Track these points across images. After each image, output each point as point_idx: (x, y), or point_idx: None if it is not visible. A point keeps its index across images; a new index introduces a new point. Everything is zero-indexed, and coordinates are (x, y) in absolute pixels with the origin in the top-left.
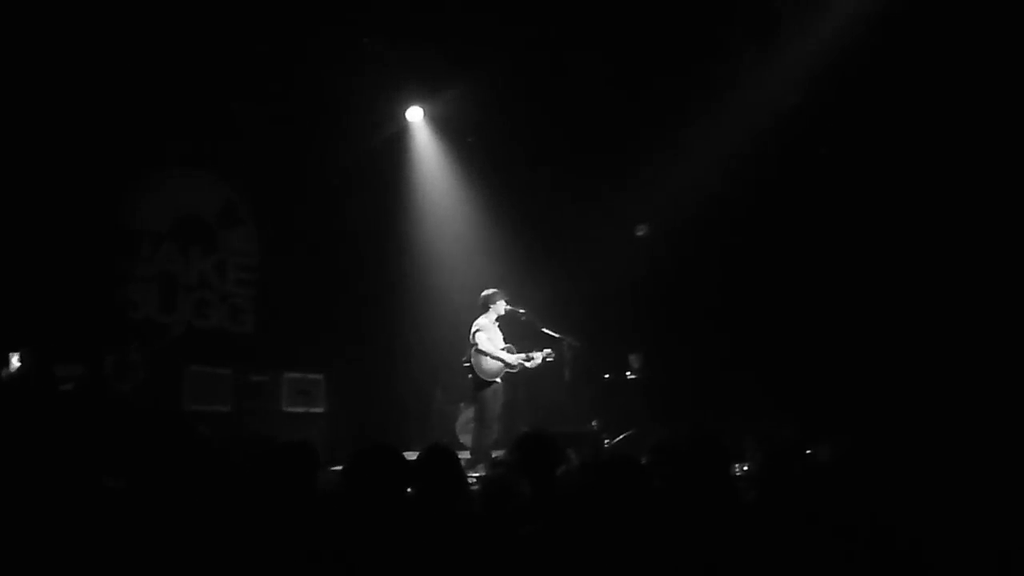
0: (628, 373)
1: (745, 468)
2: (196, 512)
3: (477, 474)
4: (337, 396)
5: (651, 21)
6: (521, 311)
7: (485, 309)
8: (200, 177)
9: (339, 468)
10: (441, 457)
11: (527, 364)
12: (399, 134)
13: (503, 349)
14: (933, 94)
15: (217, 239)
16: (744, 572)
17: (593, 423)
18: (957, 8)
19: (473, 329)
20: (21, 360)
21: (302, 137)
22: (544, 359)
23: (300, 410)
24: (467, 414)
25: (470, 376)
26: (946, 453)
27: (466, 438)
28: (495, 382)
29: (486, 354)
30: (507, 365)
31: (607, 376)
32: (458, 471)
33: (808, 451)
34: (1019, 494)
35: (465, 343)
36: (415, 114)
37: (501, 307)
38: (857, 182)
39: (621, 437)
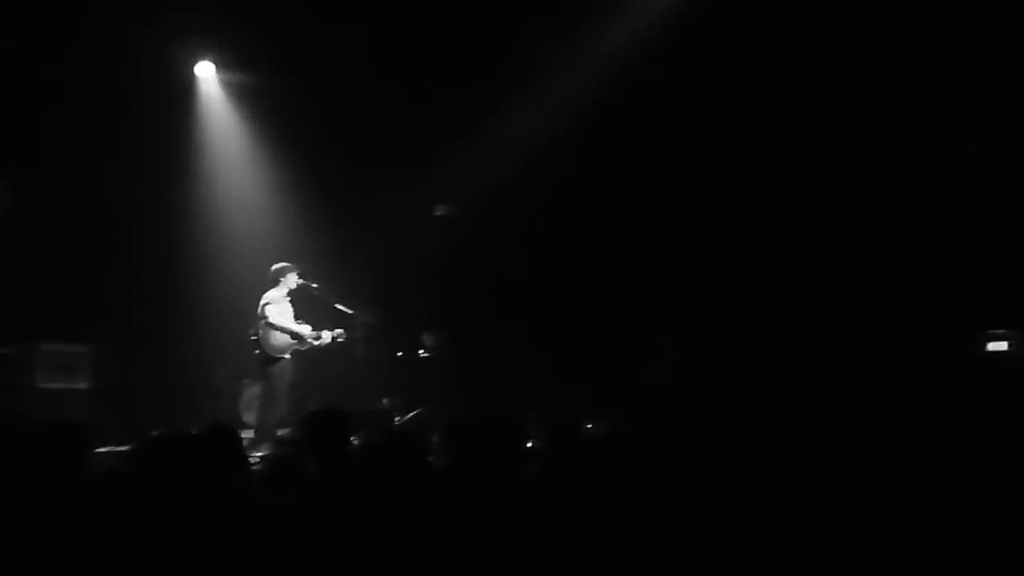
0: (421, 352)
1: (530, 444)
2: None
3: (260, 453)
4: (104, 371)
5: (454, 11)
6: (314, 285)
7: (275, 283)
8: None
9: (106, 450)
10: (221, 436)
11: (315, 342)
12: (185, 88)
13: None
14: (726, 95)
15: None
16: (522, 541)
17: (384, 401)
18: (750, 13)
19: (263, 302)
20: None
21: (67, 79)
22: (334, 339)
23: (59, 386)
24: (252, 391)
25: (257, 351)
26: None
27: (250, 416)
28: (283, 358)
29: (277, 328)
30: (300, 339)
31: (400, 354)
32: (239, 450)
33: (587, 427)
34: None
35: (251, 317)
36: (206, 69)
37: (292, 281)
38: (644, 176)
39: (412, 415)
